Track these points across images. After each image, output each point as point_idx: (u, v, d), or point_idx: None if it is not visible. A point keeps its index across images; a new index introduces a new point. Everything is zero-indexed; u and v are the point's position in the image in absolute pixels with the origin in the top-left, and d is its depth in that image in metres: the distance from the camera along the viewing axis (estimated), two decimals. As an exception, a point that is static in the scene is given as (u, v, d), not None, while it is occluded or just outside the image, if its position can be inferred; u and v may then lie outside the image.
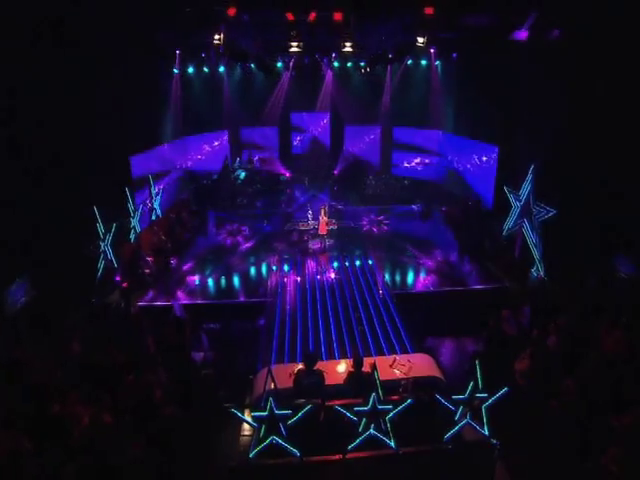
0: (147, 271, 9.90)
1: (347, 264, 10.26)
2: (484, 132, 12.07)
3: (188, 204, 13.31)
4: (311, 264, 10.28)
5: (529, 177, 9.90)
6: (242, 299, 8.90)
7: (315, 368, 5.90)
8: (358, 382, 5.78)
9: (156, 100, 12.12)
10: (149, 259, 10.12)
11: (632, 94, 7.31)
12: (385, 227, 12.91)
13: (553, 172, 9.00)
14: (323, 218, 10.73)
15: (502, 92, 10.63)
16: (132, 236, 10.69)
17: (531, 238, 10.11)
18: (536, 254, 9.95)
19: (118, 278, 9.75)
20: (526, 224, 10.13)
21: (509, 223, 10.58)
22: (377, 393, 4.69)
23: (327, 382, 5.89)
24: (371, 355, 7.38)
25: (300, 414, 4.61)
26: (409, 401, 4.73)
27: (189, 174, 14.90)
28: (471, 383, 4.79)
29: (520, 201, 10.28)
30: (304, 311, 8.42)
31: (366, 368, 5.92)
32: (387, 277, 9.63)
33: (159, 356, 6.60)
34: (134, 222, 10.73)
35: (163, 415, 5.47)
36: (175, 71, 13.53)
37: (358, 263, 10.31)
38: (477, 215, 11.93)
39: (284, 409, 4.60)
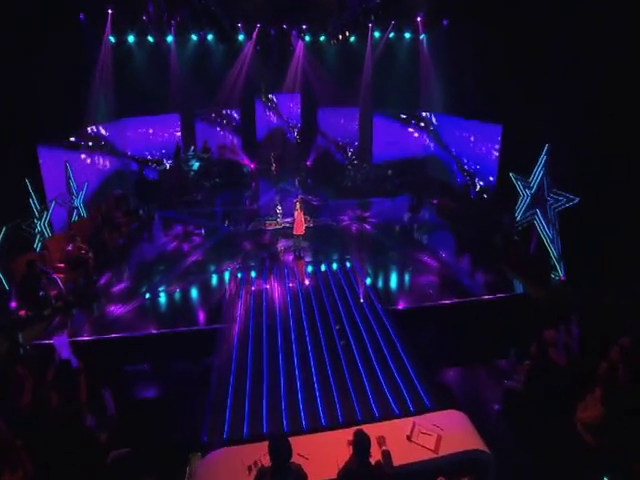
0: (54, 293, 7.03)
1: (327, 271, 8.49)
2: (484, 110, 10.32)
3: (124, 201, 10.85)
4: (283, 273, 8.46)
5: (542, 159, 8.29)
6: (189, 327, 6.68)
7: (290, 462, 3.34)
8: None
9: (80, 74, 9.85)
10: (56, 276, 7.23)
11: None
12: (369, 224, 11.15)
13: (572, 152, 7.29)
14: (299, 214, 8.72)
15: (505, 61, 9.00)
16: (38, 244, 7.78)
17: (546, 233, 8.43)
18: (553, 252, 8.26)
19: (13, 304, 6.81)
20: (539, 216, 8.50)
21: (517, 215, 8.97)
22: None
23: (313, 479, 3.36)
24: (370, 408, 4.99)
25: None
26: None
27: (130, 163, 12.69)
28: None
29: (531, 189, 8.72)
30: (272, 341, 6.34)
31: (374, 453, 3.45)
32: (376, 287, 7.87)
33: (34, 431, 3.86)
34: (40, 225, 7.82)
35: None
36: (111, 39, 11.11)
37: (340, 270, 8.51)
38: (481, 207, 9.96)
39: None
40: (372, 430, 3.78)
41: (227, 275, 8.34)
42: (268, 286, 7.91)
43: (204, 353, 6.23)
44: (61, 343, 4.89)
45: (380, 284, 8.06)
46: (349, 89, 13.87)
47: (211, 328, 6.59)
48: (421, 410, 4.91)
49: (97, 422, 4.63)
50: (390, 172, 13.87)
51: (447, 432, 4.14)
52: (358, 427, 3.96)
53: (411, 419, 4.31)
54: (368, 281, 7.95)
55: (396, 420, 4.46)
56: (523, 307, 7.34)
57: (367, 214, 11.75)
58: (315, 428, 4.61)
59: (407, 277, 8.33)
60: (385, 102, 13.80)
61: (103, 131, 11.47)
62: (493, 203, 9.95)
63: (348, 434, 3.90)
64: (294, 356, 6.05)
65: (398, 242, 9.69)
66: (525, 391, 5.29)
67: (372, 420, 4.69)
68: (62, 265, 7.73)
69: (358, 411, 5.07)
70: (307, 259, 9.01)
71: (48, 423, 4.23)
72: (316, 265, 8.76)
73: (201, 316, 7.08)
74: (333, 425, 4.65)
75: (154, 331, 6.59)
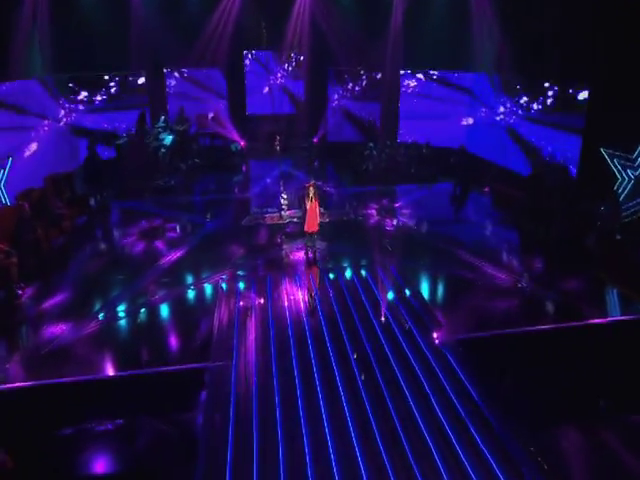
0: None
1: (355, 282, 7.92)
2: (563, 68, 9.72)
3: (67, 185, 10.22)
4: (295, 284, 7.95)
5: (654, 128, 8.05)
6: (162, 366, 5.99)
7: None
8: None
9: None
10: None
11: None
12: (403, 218, 10.85)
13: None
14: (313, 204, 8.42)
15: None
16: None
17: (656, 230, 8.09)
18: (670, 258, 7.81)
19: None
20: (650, 207, 8.18)
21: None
22: None
23: None
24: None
25: None
26: None
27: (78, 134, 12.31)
28: None
29: (635, 169, 8.33)
30: (288, 387, 5.64)
31: None
32: (425, 307, 7.34)
33: None
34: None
35: None
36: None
37: (372, 280, 7.99)
38: (565, 194, 9.13)
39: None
40: None
41: (215, 289, 7.77)
42: (276, 304, 7.30)
43: (185, 406, 5.56)
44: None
45: (429, 301, 7.49)
46: (371, 45, 13.25)
47: (195, 367, 5.91)
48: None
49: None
50: (424, 151, 13.36)
51: None
52: None
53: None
54: (410, 296, 7.48)
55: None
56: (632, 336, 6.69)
57: (401, 207, 11.46)
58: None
59: (460, 292, 7.64)
60: (419, 61, 13.34)
61: (36, 89, 10.95)
62: (578, 189, 9.28)
63: None
64: (321, 408, 5.22)
65: (443, 241, 9.27)
66: None
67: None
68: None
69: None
70: (325, 265, 8.59)
71: None
72: (338, 273, 8.28)
73: (179, 349, 6.37)
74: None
75: (110, 373, 5.85)
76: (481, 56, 11.81)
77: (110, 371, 5.84)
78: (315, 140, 14.33)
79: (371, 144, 13.41)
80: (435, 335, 6.47)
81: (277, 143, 12.74)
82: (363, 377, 5.78)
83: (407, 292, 7.56)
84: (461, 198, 11.64)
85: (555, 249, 8.56)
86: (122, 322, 6.91)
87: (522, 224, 9.62)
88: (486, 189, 11.60)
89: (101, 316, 6.91)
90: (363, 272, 8.25)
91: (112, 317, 6.94)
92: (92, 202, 10.58)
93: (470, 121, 13.54)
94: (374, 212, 11.04)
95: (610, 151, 8.38)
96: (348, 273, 8.20)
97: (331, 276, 8.14)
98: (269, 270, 8.34)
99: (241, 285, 7.84)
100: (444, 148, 13.35)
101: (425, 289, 7.85)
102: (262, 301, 7.37)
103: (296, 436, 4.90)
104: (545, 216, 9.00)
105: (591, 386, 5.84)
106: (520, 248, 9.26)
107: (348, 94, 14.88)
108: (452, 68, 13.23)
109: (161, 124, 12.78)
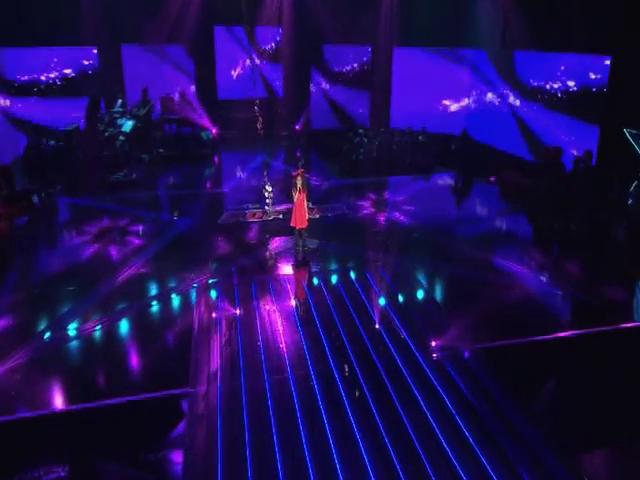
0: None
1: (357, 288, 7.83)
2: (581, 35, 9.64)
3: (2, 180, 9.86)
4: (280, 293, 7.84)
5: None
6: (124, 396, 5.61)
7: None
8: None
9: None
10: None
11: None
12: (402, 213, 10.82)
13: None
14: (301, 197, 8.34)
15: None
16: None
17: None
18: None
19: None
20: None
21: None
22: None
23: None
24: None
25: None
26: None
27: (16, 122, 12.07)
28: None
29: None
30: (285, 408, 5.46)
31: None
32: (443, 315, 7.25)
33: None
34: None
35: None
36: None
37: (374, 284, 7.95)
38: (587, 182, 9.09)
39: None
40: None
41: (190, 300, 7.57)
42: (264, 314, 7.12)
43: (158, 443, 5.27)
44: None
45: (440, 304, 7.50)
46: (362, 17, 13.36)
47: (170, 394, 5.62)
48: None
49: None
50: (421, 138, 13.39)
51: None
52: None
53: None
54: (419, 298, 7.49)
55: None
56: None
57: (398, 200, 11.43)
58: None
59: (472, 294, 7.54)
60: (416, 35, 13.35)
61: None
62: (602, 175, 9.31)
63: None
64: (327, 435, 4.97)
65: (447, 238, 9.38)
66: None
67: None
68: None
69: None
70: (318, 266, 8.56)
71: None
72: (333, 275, 8.29)
73: (149, 373, 6.09)
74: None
75: (59, 407, 5.44)
76: (487, 29, 11.87)
77: (60, 404, 5.38)
78: (298, 127, 14.26)
79: (361, 130, 13.32)
80: (450, 344, 6.28)
81: (260, 129, 12.43)
82: (357, 394, 5.66)
83: (414, 295, 7.45)
84: (464, 189, 11.71)
85: (576, 243, 8.50)
86: (74, 343, 6.42)
87: (536, 216, 9.54)
88: (492, 179, 11.61)
89: (47, 337, 6.41)
90: (362, 273, 8.07)
91: (61, 338, 6.51)
92: (35, 199, 10.14)
93: (473, 103, 13.63)
94: (368, 206, 10.94)
95: (634, 132, 8.40)
96: (345, 275, 8.17)
97: (326, 279, 8.08)
98: (254, 274, 8.21)
99: (221, 293, 7.64)
100: (443, 134, 13.36)
101: (432, 291, 7.75)
102: (248, 311, 7.19)
103: (301, 477, 4.47)
104: (564, 207, 8.92)
105: (621, 398, 5.70)
106: (535, 243, 9.22)
107: (335, 74, 14.87)
108: (454, 44, 13.28)
109: (118, 108, 12.43)
